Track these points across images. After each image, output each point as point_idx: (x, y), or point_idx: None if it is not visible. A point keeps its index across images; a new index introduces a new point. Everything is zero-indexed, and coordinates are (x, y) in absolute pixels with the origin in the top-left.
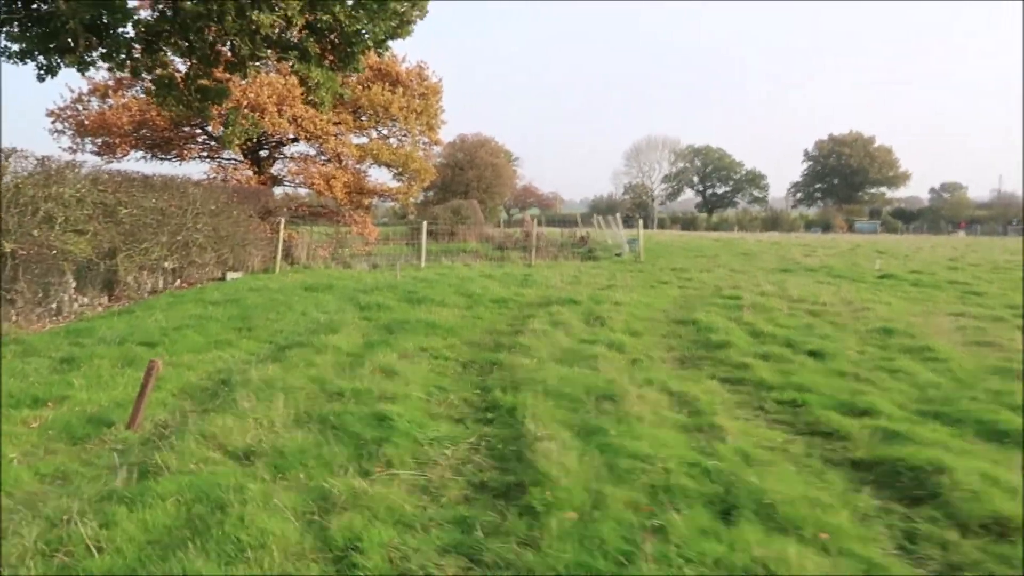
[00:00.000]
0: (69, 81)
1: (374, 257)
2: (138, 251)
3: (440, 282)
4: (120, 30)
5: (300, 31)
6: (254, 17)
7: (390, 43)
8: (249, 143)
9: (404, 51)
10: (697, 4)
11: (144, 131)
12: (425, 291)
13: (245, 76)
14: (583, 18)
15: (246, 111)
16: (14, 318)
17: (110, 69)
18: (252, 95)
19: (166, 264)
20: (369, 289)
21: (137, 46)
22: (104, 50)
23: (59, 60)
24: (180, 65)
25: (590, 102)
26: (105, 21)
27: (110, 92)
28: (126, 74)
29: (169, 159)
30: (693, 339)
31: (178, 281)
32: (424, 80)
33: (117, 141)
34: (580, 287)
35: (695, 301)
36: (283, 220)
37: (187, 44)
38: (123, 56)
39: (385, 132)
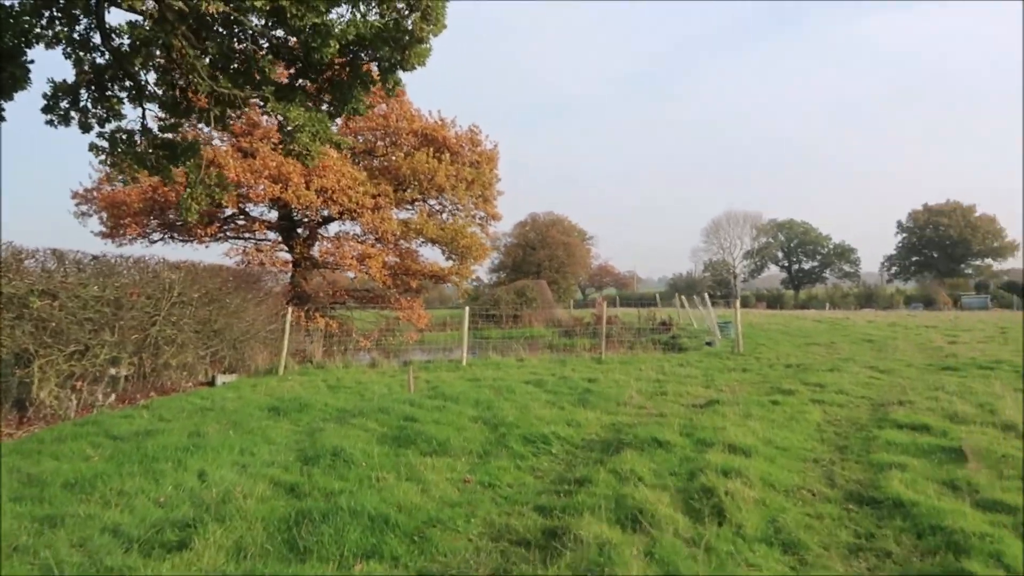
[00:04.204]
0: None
1: (420, 348)
2: (64, 356)
3: (465, 397)
4: (20, 57)
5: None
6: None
7: (401, 75)
8: (284, 221)
9: (453, 114)
10: (773, 72)
11: (157, 209)
12: (431, 417)
13: (222, 126)
14: (657, 93)
15: (214, 171)
16: None
17: (49, 123)
18: (273, 164)
19: (115, 371)
20: (354, 412)
21: (84, 93)
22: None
23: None
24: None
25: (665, 177)
26: None
27: None
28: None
29: (188, 240)
30: (915, 549)
31: (113, 397)
32: (477, 146)
33: (127, 221)
34: (667, 403)
35: (856, 435)
36: (290, 309)
37: (133, 84)
38: (65, 104)
39: (437, 206)
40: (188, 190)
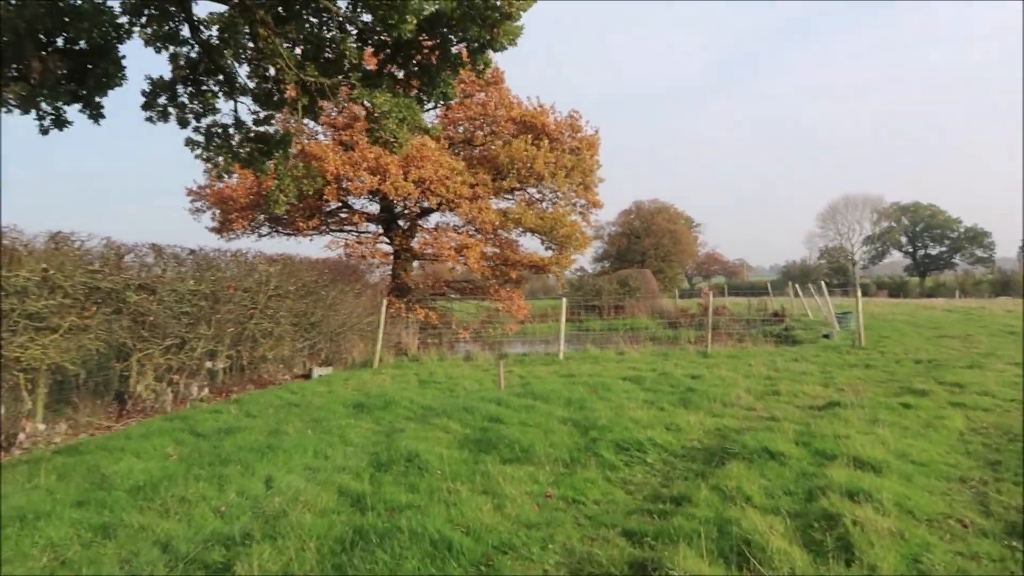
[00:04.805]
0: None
1: (520, 339)
2: (161, 350)
3: (556, 395)
4: (112, 53)
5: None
6: None
7: (491, 54)
8: (384, 213)
9: (552, 99)
10: (894, 41)
11: (263, 203)
12: (518, 417)
13: (312, 115)
14: (772, 71)
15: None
16: None
17: (149, 119)
18: (371, 156)
19: (211, 364)
20: (438, 411)
21: (180, 88)
22: (143, 97)
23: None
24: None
25: (778, 160)
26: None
27: None
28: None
29: (293, 234)
30: None
31: (207, 390)
32: (577, 132)
33: (234, 216)
34: (780, 405)
35: (1009, 447)
36: (384, 301)
37: (224, 78)
38: (164, 99)
39: (536, 194)
40: (276, 182)
